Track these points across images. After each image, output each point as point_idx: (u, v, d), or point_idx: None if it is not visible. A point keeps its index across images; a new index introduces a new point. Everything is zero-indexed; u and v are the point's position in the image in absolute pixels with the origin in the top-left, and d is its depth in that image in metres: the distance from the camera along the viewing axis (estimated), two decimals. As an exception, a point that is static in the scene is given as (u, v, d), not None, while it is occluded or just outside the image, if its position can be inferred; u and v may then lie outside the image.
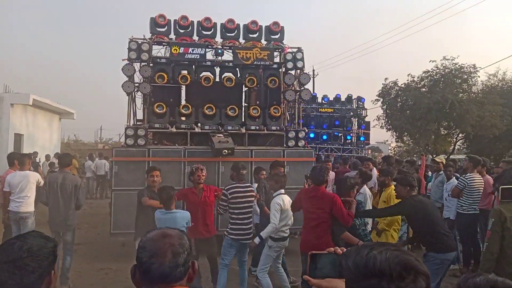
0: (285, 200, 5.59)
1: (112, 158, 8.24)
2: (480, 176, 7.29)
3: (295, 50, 9.05)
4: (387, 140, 31.74)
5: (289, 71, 9.05)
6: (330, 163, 10.72)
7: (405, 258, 1.15)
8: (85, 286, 6.33)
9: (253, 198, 6.04)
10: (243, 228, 5.69)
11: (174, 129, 8.73)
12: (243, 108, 9.32)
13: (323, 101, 17.90)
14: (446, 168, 8.24)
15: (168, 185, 5.53)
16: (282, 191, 5.66)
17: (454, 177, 7.95)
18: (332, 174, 9.03)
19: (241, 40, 9.22)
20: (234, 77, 9.12)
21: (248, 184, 6.19)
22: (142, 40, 8.61)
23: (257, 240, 5.54)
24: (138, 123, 9.10)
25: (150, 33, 8.90)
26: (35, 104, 16.38)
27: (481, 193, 7.11)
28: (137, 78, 8.61)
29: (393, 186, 5.58)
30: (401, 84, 22.35)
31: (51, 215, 6.39)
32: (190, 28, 9.06)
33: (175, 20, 9.01)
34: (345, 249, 1.42)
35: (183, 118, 8.81)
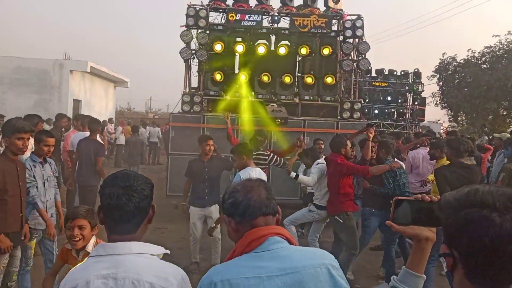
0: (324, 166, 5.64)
1: (169, 124, 8.46)
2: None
3: (354, 17, 8.75)
4: (439, 120, 30.50)
5: (347, 40, 8.79)
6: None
7: (511, 191, 1.06)
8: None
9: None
10: None
11: (228, 97, 8.78)
12: (297, 77, 9.20)
13: (377, 75, 17.31)
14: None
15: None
16: (319, 160, 5.79)
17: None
18: None
19: (299, 7, 9.01)
20: (288, 46, 8.96)
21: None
22: (200, 6, 8.63)
23: (292, 174, 5.60)
24: (192, 90, 9.22)
25: (208, -1, 8.89)
26: (92, 72, 16.99)
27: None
28: (194, 45, 8.69)
29: (445, 159, 5.61)
30: (460, 60, 21.21)
31: (130, 155, 11.75)
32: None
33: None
34: (433, 197, 1.38)
35: (237, 86, 8.84)
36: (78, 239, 2.88)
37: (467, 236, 1.05)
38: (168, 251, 1.67)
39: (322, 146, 7.10)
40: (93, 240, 2.97)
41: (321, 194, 5.56)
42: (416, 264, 1.43)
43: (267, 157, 6.13)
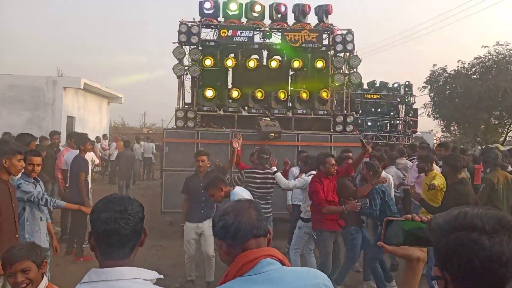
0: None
1: (163, 139, 8.47)
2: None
3: (345, 32, 8.87)
4: (432, 130, 30.61)
5: (338, 54, 8.89)
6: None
7: (499, 214, 1.08)
8: (139, 260, 6.59)
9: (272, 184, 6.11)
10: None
11: (221, 112, 8.82)
12: (290, 91, 9.28)
13: (369, 87, 17.44)
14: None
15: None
16: (313, 172, 5.78)
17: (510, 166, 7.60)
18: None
19: (290, 22, 9.13)
20: (280, 60, 9.05)
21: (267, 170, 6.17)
22: (192, 23, 8.71)
23: (273, 168, 5.95)
24: (186, 106, 9.26)
25: (200, 15, 8.97)
26: (85, 88, 16.96)
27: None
28: (187, 61, 8.76)
29: (435, 171, 5.88)
30: (451, 71, 21.45)
31: (122, 171, 11.65)
32: (238, 11, 9.05)
33: (224, 3, 9.04)
34: (423, 217, 1.38)
35: (231, 101, 8.90)
36: (25, 284, 2.45)
37: (457, 259, 1.07)
38: (162, 276, 1.66)
39: None
40: (45, 281, 2.58)
41: (304, 207, 5.67)
42: (409, 284, 1.43)
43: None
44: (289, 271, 1.57)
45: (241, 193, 4.69)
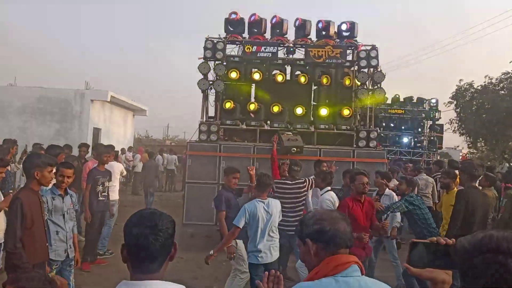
0: (334, 196, 5.63)
1: (187, 152, 8.59)
2: None
3: (369, 47, 8.87)
4: (458, 146, 29.99)
5: (362, 69, 8.88)
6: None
7: None
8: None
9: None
10: (286, 220, 5.57)
11: (244, 126, 8.89)
12: (312, 106, 9.28)
13: (393, 102, 17.29)
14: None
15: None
16: (329, 188, 5.73)
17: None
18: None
19: (313, 38, 9.18)
20: (304, 76, 9.09)
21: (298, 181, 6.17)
22: (218, 39, 8.86)
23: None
24: (210, 119, 9.37)
25: (225, 32, 9.13)
26: (112, 101, 17.35)
27: None
28: (211, 76, 8.90)
29: (455, 189, 5.76)
30: (477, 86, 21.07)
31: (147, 180, 11.98)
32: (263, 27, 9.17)
33: (248, 19, 9.18)
34: (448, 240, 1.40)
35: (253, 116, 8.97)
36: None
37: (484, 282, 1.08)
38: None
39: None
40: None
41: None
42: None
43: (305, 184, 6.14)
44: (371, 282, 1.73)
45: (256, 204, 4.67)
